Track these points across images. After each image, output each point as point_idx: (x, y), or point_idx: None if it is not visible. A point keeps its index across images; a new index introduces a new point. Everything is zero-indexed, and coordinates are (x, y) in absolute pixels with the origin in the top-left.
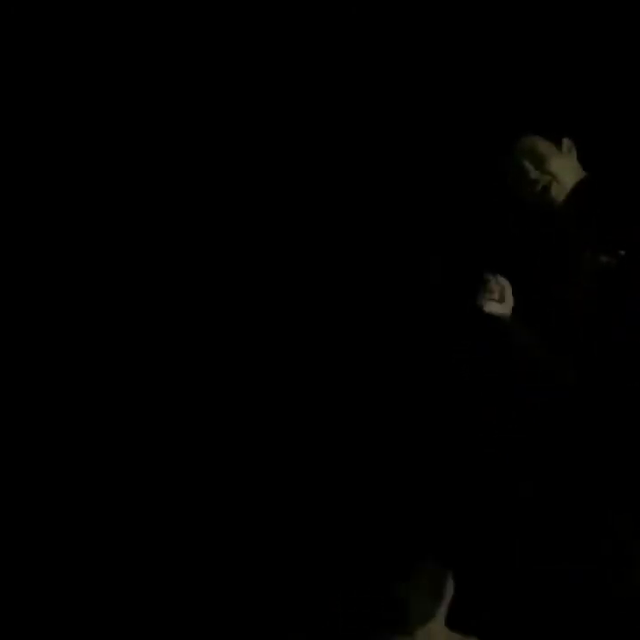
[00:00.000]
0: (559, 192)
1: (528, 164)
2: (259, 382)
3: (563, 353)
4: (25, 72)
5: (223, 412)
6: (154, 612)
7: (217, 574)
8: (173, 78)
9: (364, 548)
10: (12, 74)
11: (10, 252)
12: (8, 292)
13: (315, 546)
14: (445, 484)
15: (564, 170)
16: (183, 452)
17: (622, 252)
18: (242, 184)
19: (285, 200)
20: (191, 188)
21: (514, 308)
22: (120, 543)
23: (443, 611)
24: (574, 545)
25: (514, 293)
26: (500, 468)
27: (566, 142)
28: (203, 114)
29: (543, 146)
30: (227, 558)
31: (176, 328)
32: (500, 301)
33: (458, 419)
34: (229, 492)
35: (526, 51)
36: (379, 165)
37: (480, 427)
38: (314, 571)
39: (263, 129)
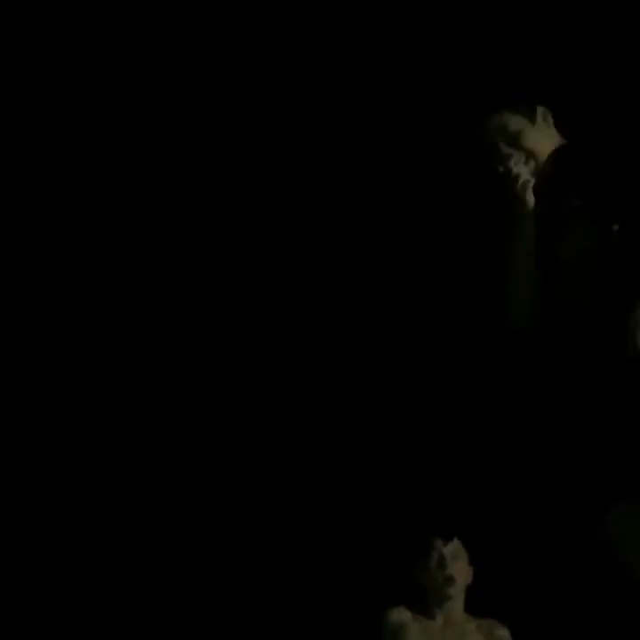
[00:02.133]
0: (538, 168)
1: (501, 144)
2: (259, 382)
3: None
4: (25, 72)
5: (223, 412)
6: (154, 611)
7: (217, 575)
8: (173, 78)
9: (380, 534)
10: (12, 74)
11: (10, 252)
12: (8, 293)
13: (326, 534)
14: (451, 477)
15: (540, 143)
16: (183, 452)
17: (615, 227)
18: (242, 184)
19: (285, 201)
20: (191, 188)
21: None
22: (120, 543)
23: (461, 594)
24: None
25: None
26: (502, 465)
27: (541, 111)
28: (203, 114)
29: (515, 121)
30: (228, 558)
31: (176, 328)
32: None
33: (459, 418)
34: (231, 492)
35: (495, 24)
36: (368, 162)
37: (481, 426)
38: (323, 558)
39: (263, 129)
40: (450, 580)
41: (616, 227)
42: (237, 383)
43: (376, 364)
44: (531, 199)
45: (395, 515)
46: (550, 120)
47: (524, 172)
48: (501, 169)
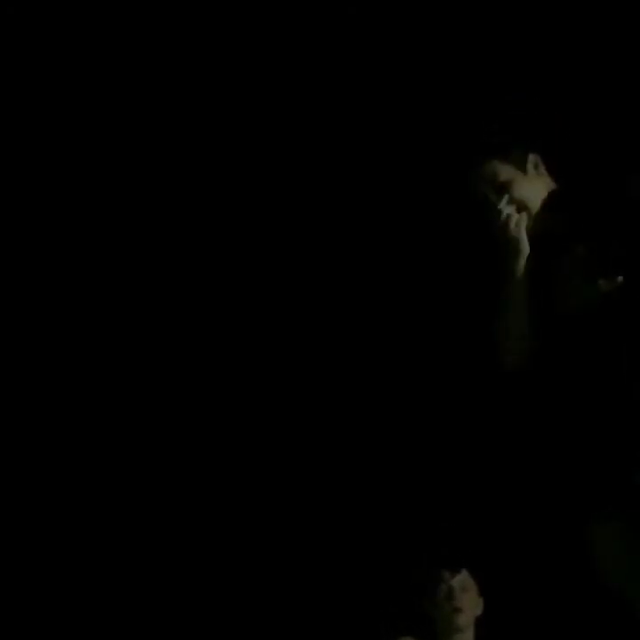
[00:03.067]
0: (531, 219)
1: (492, 195)
2: (260, 384)
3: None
4: (25, 72)
5: (224, 413)
6: (154, 612)
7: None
8: (173, 78)
9: (389, 565)
10: (12, 74)
11: (10, 252)
12: (8, 292)
13: (334, 561)
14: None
15: (532, 193)
16: (183, 452)
17: (620, 278)
18: (240, 185)
19: (284, 201)
20: (191, 188)
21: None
22: (120, 543)
23: (470, 626)
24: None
25: None
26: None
27: (532, 159)
28: (202, 114)
29: (505, 171)
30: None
31: (176, 329)
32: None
33: (456, 450)
34: (239, 503)
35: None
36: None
37: (474, 460)
38: (334, 588)
39: (261, 129)
40: (457, 611)
41: (620, 278)
42: (226, 381)
43: (367, 401)
44: (523, 241)
45: (403, 546)
46: (542, 168)
47: (514, 215)
48: (491, 218)
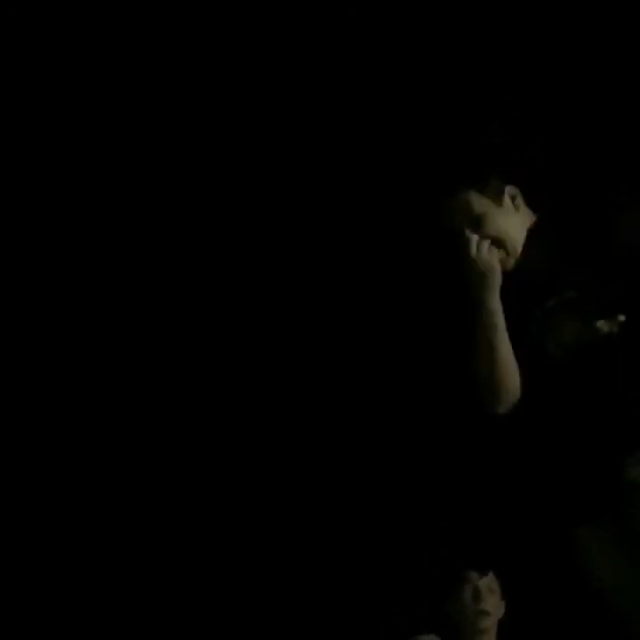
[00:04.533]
0: (510, 255)
1: (466, 230)
2: (261, 384)
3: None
4: (25, 72)
5: (223, 414)
6: (154, 612)
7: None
8: (173, 78)
9: (414, 566)
10: (12, 74)
11: (10, 252)
12: (8, 293)
13: (357, 564)
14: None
15: (509, 227)
16: (182, 452)
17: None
18: (238, 186)
19: (283, 201)
20: (191, 189)
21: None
22: (120, 544)
23: (494, 628)
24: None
25: None
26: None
27: (509, 191)
28: (202, 114)
29: (480, 203)
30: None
31: (175, 329)
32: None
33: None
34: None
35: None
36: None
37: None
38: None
39: (260, 129)
40: (484, 613)
41: (622, 317)
42: (226, 381)
43: (365, 405)
44: (494, 272)
45: (402, 547)
46: (520, 201)
47: (485, 246)
48: (464, 250)
